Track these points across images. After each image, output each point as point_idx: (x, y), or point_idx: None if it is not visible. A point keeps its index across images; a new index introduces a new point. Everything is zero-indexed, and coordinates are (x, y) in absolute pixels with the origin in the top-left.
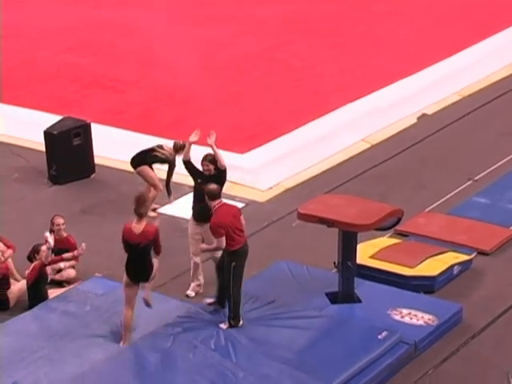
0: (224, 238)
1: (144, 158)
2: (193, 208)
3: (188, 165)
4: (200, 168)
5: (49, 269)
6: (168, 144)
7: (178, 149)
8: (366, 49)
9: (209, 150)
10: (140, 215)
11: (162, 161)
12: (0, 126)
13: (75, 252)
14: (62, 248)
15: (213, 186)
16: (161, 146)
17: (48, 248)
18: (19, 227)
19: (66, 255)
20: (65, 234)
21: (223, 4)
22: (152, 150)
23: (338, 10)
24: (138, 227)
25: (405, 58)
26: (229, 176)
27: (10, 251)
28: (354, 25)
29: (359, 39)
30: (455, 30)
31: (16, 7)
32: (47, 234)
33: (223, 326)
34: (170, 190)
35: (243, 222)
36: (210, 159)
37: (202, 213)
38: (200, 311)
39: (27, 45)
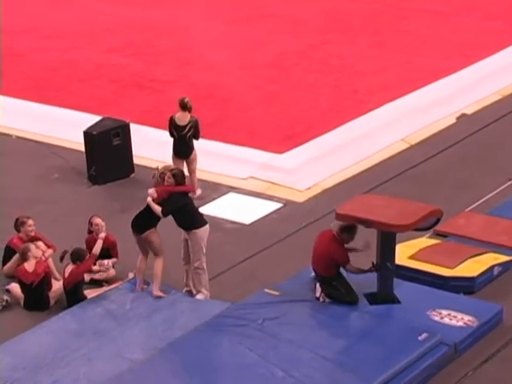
0: None
1: None
2: None
3: None
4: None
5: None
6: None
7: None
8: (406, 48)
9: None
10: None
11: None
12: None
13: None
14: (102, 247)
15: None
16: None
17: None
18: (59, 227)
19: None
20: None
21: (263, 2)
22: None
23: (377, 8)
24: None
25: (445, 56)
26: (267, 176)
27: (50, 251)
28: (394, 23)
29: (399, 38)
30: (495, 28)
31: (58, 8)
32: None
33: None
34: None
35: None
36: (175, 173)
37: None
38: (238, 311)
39: (68, 45)
